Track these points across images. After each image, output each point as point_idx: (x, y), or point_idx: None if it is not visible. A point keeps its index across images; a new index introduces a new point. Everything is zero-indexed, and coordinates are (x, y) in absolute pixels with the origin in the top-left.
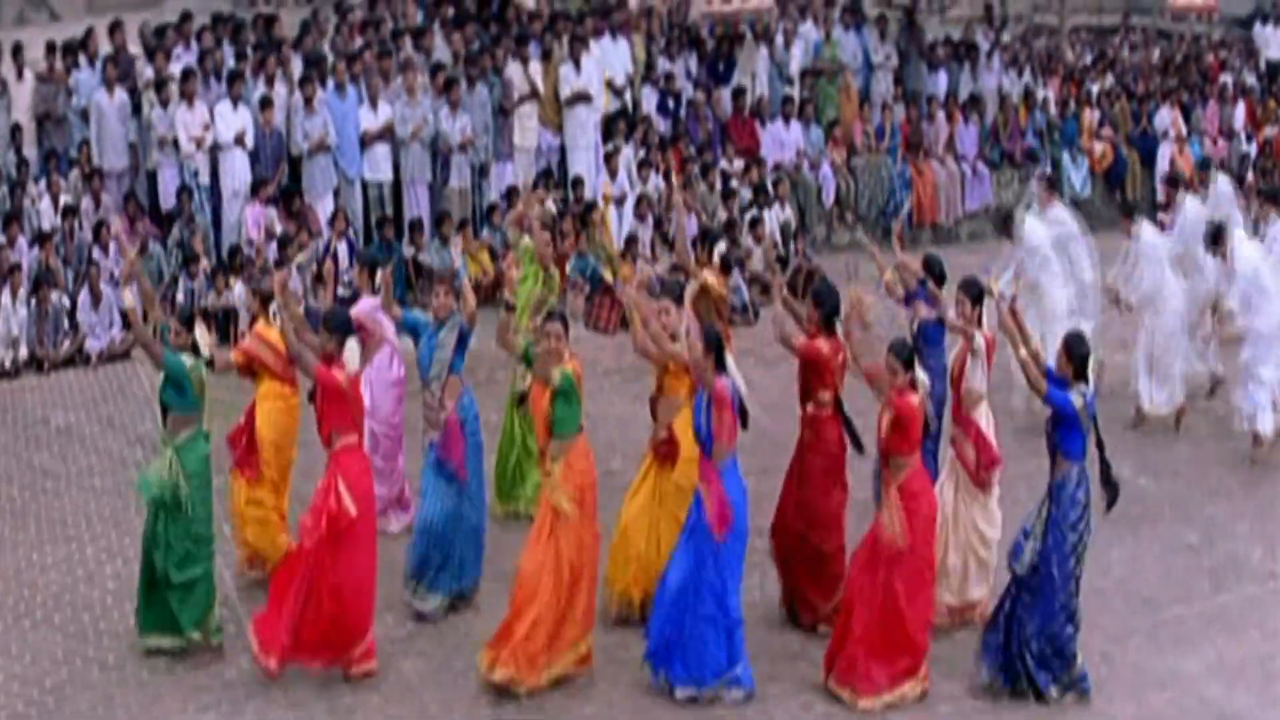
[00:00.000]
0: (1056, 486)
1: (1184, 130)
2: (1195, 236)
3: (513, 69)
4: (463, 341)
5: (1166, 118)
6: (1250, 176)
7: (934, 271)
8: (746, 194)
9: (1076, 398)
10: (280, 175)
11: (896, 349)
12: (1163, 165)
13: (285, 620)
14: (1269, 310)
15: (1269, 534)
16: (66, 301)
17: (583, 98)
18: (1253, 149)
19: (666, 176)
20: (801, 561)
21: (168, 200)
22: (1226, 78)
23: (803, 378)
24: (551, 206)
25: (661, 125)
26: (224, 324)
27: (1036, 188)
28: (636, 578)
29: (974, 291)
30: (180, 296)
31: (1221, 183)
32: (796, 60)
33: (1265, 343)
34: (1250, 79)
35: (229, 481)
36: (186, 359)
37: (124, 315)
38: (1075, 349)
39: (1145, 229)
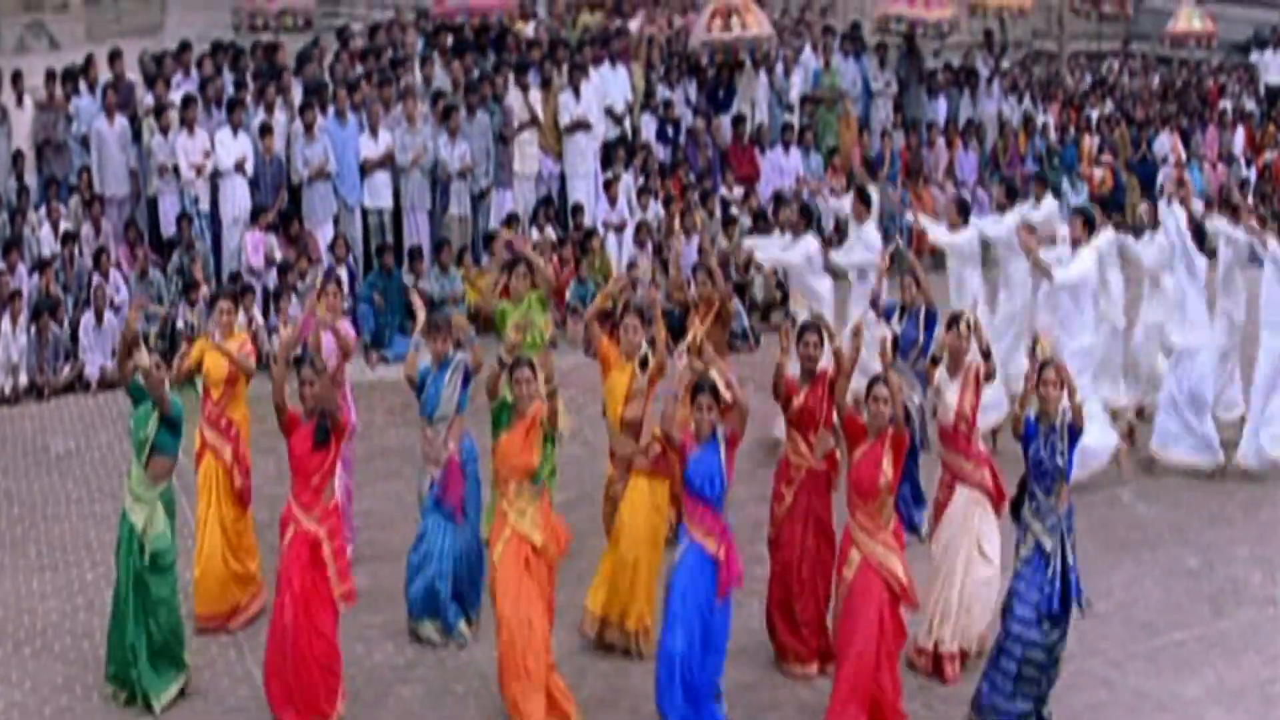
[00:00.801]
0: (1067, 514)
1: (1183, 155)
2: (1013, 247)
3: (513, 96)
4: (466, 382)
5: (1166, 143)
6: (1249, 201)
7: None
8: (746, 221)
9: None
10: (280, 202)
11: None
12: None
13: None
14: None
15: (1269, 559)
16: (67, 328)
17: (582, 125)
18: (1252, 174)
19: (666, 203)
20: (825, 597)
21: (168, 227)
22: (1226, 103)
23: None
24: (552, 233)
25: (661, 153)
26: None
27: (850, 205)
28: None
29: (967, 321)
30: (180, 323)
31: (1048, 200)
32: (796, 87)
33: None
34: (1250, 104)
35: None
36: (176, 398)
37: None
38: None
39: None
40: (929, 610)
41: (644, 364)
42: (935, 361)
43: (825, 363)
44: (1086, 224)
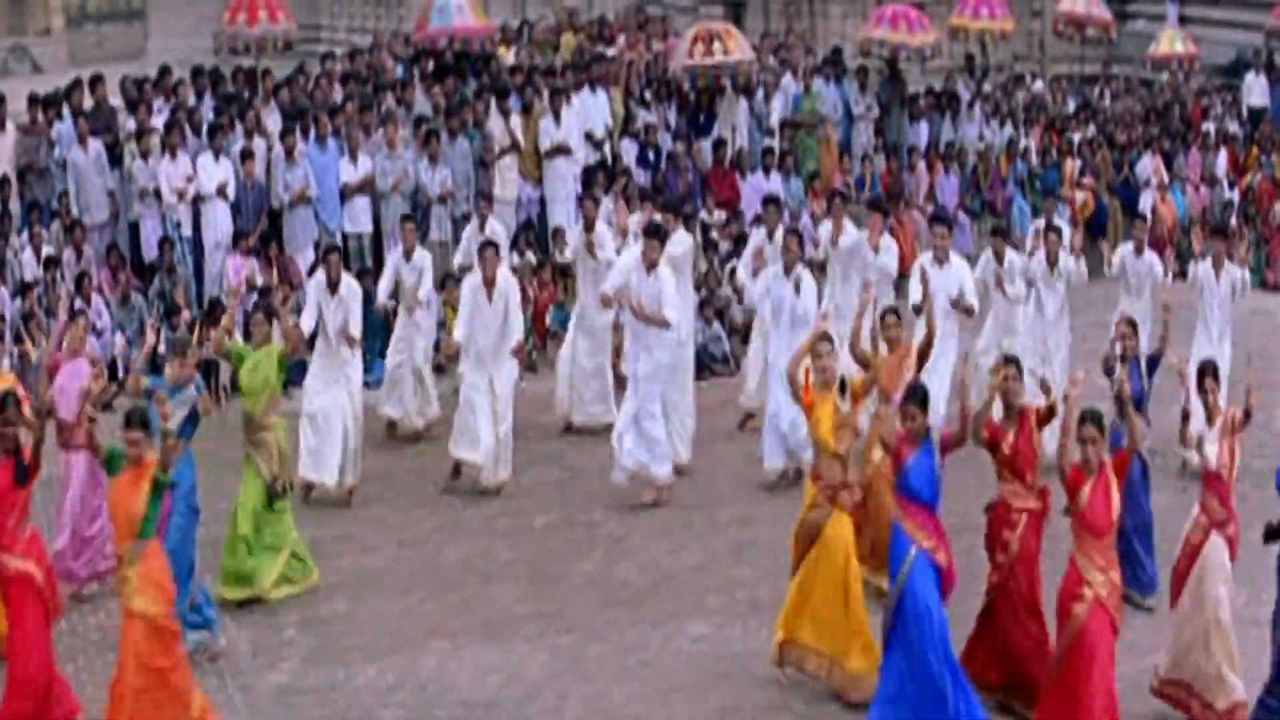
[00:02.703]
0: None
1: (1166, 178)
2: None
3: (494, 122)
4: (191, 420)
5: (1149, 165)
6: (1234, 222)
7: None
8: (726, 245)
9: None
10: (261, 227)
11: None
12: (1144, 212)
13: None
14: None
15: (1252, 580)
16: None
17: (562, 150)
18: (1235, 195)
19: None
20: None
21: (150, 251)
22: (1209, 125)
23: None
24: (532, 258)
25: (641, 177)
26: (206, 375)
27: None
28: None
29: (1214, 370)
30: (162, 348)
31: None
32: (776, 112)
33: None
34: (1233, 126)
35: None
36: None
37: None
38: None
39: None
40: (1222, 666)
41: (843, 388)
42: (1186, 419)
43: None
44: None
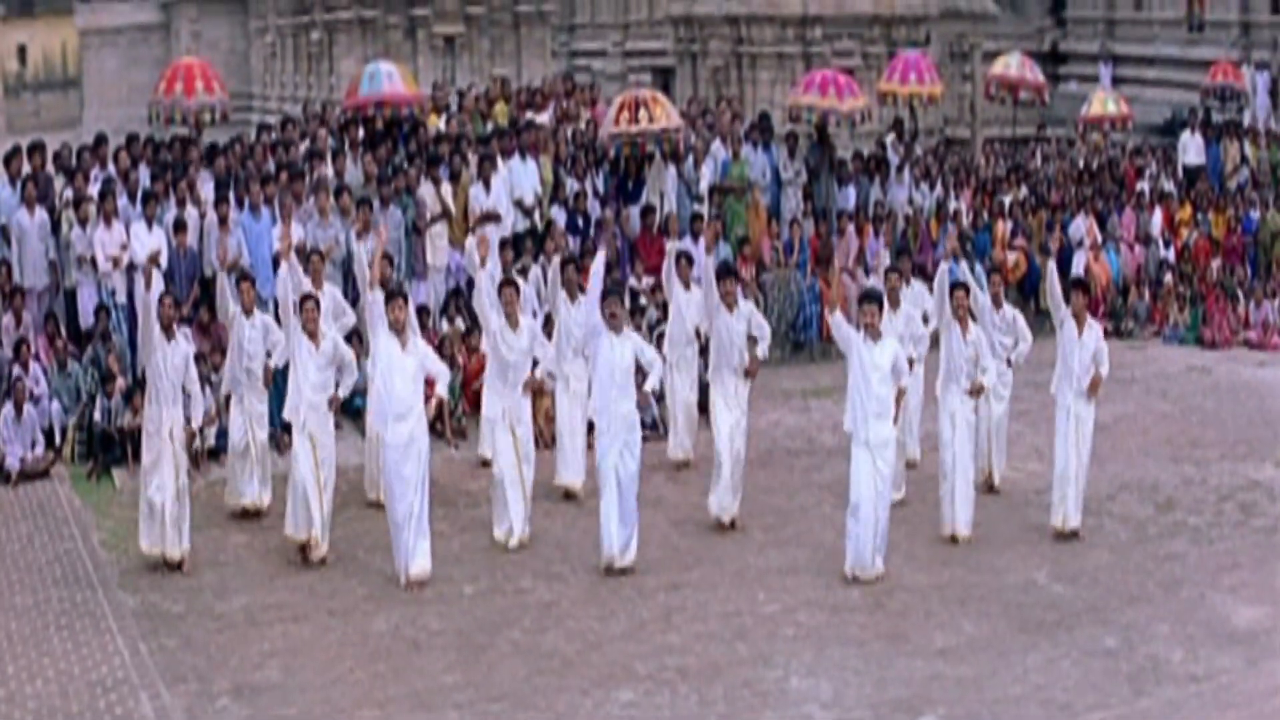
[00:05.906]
0: None
1: (1099, 238)
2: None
3: (425, 189)
4: None
5: (1081, 226)
6: (1169, 280)
7: None
8: (655, 312)
9: None
10: (194, 294)
11: None
12: (1077, 273)
13: None
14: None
15: (1189, 636)
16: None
17: (491, 218)
18: (1170, 254)
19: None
20: None
21: (86, 318)
22: (1143, 184)
23: None
24: (461, 324)
25: (571, 244)
26: (138, 443)
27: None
28: None
29: None
30: (97, 415)
31: None
32: (705, 178)
33: None
34: (1168, 185)
35: None
36: None
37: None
38: None
39: None
40: None
41: None
42: None
43: None
44: None
